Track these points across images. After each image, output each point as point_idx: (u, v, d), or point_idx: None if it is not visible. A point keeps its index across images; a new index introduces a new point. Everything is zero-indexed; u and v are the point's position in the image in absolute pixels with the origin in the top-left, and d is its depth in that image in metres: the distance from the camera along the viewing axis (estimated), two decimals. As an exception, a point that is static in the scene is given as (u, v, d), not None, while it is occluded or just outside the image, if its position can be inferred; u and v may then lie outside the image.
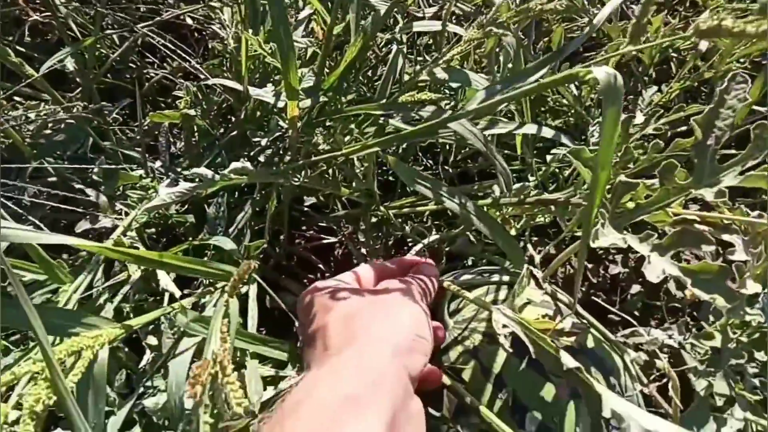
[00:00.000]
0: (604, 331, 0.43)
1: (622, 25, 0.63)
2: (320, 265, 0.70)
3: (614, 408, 0.29)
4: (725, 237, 0.35)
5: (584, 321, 0.42)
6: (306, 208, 0.67)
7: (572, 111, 0.71)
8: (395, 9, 0.51)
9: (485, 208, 0.43)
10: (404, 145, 0.67)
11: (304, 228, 0.72)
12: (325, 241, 0.69)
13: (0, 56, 0.49)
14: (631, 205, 0.36)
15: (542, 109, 0.73)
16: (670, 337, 0.51)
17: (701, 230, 0.31)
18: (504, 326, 0.32)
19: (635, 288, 0.66)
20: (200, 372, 0.23)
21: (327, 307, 0.34)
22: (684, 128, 0.63)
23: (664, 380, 0.42)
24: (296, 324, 0.38)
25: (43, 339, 0.21)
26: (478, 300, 0.36)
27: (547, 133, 0.42)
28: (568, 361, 0.31)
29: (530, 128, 0.42)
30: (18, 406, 0.22)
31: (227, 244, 0.46)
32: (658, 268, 0.29)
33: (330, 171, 0.52)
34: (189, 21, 0.78)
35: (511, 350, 0.31)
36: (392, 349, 0.30)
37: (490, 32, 0.36)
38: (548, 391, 0.36)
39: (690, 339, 0.46)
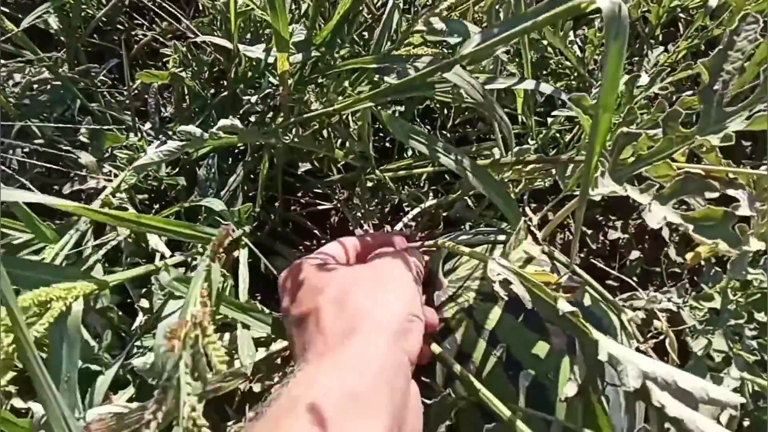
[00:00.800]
0: (601, 291, 0.42)
1: (628, -19, 0.61)
2: (316, 231, 0.69)
3: (611, 352, 0.29)
4: (730, 192, 0.34)
5: (581, 279, 0.41)
6: (301, 173, 0.65)
7: (575, 74, 0.69)
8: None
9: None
10: (401, 108, 0.66)
11: (299, 194, 0.71)
12: (320, 207, 0.68)
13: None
14: (632, 160, 0.35)
15: (544, 72, 0.71)
16: (669, 299, 0.50)
17: (705, 177, 0.29)
18: (499, 275, 0.31)
19: (634, 254, 0.65)
20: (177, 329, 0.22)
21: (316, 288, 0.32)
22: (691, 93, 0.61)
23: (661, 338, 0.42)
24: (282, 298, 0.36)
25: (5, 286, 0.20)
26: (474, 253, 0.35)
27: (546, 89, 0.40)
28: (565, 306, 0.30)
29: (529, 84, 0.40)
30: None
31: (217, 205, 0.45)
32: (658, 215, 0.28)
33: (323, 132, 0.50)
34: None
35: (506, 297, 0.30)
36: (392, 335, 0.28)
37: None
38: (542, 348, 0.35)
39: (689, 300, 0.45)
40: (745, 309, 0.44)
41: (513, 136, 0.39)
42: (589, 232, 0.67)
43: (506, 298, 0.30)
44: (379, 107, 0.40)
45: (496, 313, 0.37)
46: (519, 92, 0.48)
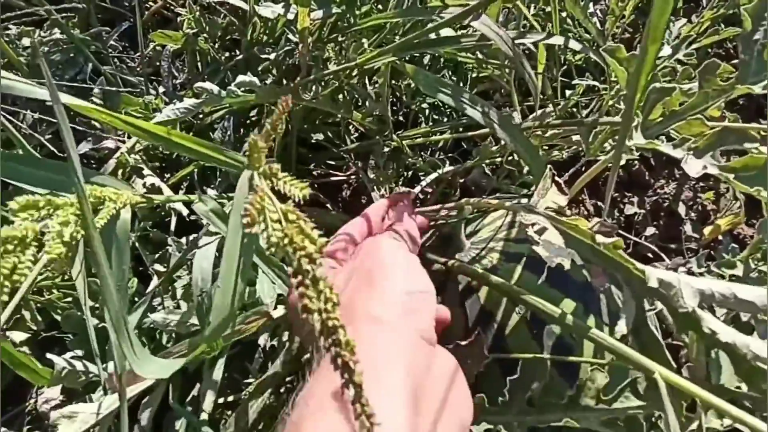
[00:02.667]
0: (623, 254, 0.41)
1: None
2: (328, 205, 0.69)
3: (661, 277, 0.28)
4: (763, 148, 0.33)
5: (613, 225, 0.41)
6: (313, 143, 0.64)
7: (595, 46, 0.67)
8: None
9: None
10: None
11: (312, 166, 0.70)
12: (333, 179, 0.67)
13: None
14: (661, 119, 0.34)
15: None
16: (689, 270, 0.50)
17: (743, 128, 0.29)
18: (534, 222, 0.30)
19: (650, 230, 0.64)
20: (254, 200, 0.20)
21: None
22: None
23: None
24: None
25: (79, 171, 0.19)
26: (502, 203, 0.35)
27: (575, 45, 0.39)
28: (605, 239, 0.29)
29: (558, 39, 0.39)
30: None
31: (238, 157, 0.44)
32: (697, 165, 0.27)
33: (341, 94, 0.49)
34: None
35: (540, 241, 0.29)
36: (395, 323, 0.26)
37: None
38: (567, 305, 0.35)
39: (712, 267, 0.45)
40: (769, 278, 0.43)
41: (539, 93, 0.38)
42: (605, 208, 0.66)
43: (540, 243, 0.29)
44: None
45: (519, 272, 0.37)
46: (541, 57, 0.47)
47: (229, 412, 0.37)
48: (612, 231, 0.29)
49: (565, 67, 0.68)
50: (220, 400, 0.37)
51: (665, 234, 0.64)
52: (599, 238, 0.27)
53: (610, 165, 0.73)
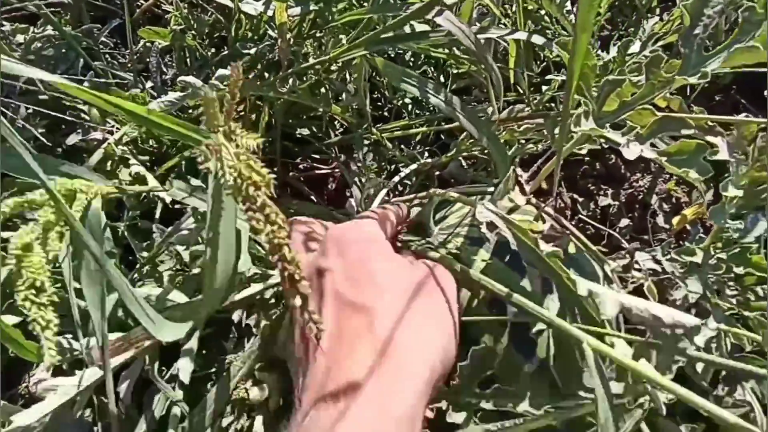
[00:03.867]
0: (586, 242, 0.43)
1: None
2: (312, 198, 0.71)
3: (589, 287, 0.30)
4: (709, 138, 0.35)
5: (563, 230, 0.43)
6: (298, 137, 0.67)
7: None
8: None
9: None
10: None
11: (298, 160, 0.72)
12: (318, 172, 0.69)
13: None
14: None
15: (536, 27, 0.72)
16: (653, 257, 0.52)
17: (682, 116, 0.31)
18: (486, 218, 0.32)
19: (624, 222, 0.66)
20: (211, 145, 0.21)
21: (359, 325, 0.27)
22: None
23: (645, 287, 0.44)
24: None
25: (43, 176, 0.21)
26: (462, 198, 0.37)
27: (537, 40, 0.41)
28: (546, 246, 0.31)
29: (521, 35, 0.41)
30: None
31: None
32: (635, 150, 0.30)
33: (321, 88, 0.51)
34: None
35: (493, 239, 0.31)
36: (422, 385, 0.25)
37: None
38: (525, 284, 0.37)
39: (671, 254, 0.47)
40: (726, 263, 0.45)
41: (502, 86, 0.40)
42: (581, 200, 0.68)
43: (493, 239, 0.31)
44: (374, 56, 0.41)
45: (482, 255, 0.39)
46: (512, 51, 0.49)
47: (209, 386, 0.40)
48: (561, 236, 0.31)
49: (544, 63, 0.70)
50: (199, 375, 0.39)
51: (639, 225, 0.66)
52: (542, 244, 0.30)
53: (582, 158, 0.74)
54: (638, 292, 0.45)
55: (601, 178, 0.72)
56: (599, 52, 0.48)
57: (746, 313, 0.46)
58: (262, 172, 0.21)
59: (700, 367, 0.33)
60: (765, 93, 0.70)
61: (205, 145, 0.20)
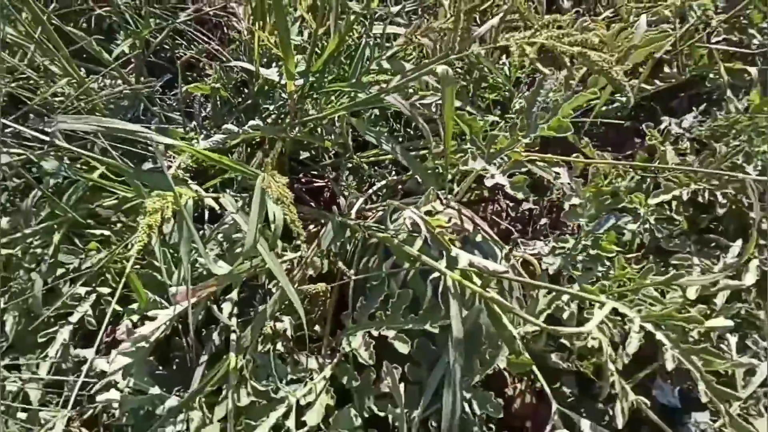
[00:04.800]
0: (489, 232, 0.66)
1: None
2: (311, 204, 0.94)
3: (470, 259, 0.53)
4: (555, 169, 0.58)
5: (477, 224, 0.66)
6: (301, 159, 0.90)
7: (505, 86, 0.93)
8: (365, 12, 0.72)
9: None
10: (376, 112, 0.90)
11: (300, 176, 0.96)
12: (315, 185, 0.93)
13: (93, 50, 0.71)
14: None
15: (484, 85, 0.95)
16: (546, 243, 0.75)
17: (532, 157, 0.54)
18: (410, 218, 0.55)
19: (543, 220, 0.89)
20: (267, 178, 0.46)
21: None
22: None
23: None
24: None
25: (173, 186, 0.45)
26: (400, 205, 0.60)
27: (460, 103, 0.64)
28: (455, 252, 0.54)
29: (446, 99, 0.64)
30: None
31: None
32: (494, 179, 0.53)
33: (318, 130, 0.75)
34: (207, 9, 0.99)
35: (409, 228, 0.54)
36: None
37: (410, 39, 0.59)
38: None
39: (551, 242, 0.70)
40: (587, 248, 0.69)
41: (430, 133, 0.63)
42: (512, 204, 0.91)
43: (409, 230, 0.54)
44: (354, 114, 0.64)
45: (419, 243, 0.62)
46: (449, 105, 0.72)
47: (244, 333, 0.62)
48: (470, 229, 0.54)
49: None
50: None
51: (552, 224, 0.89)
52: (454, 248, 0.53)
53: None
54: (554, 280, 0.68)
55: (531, 188, 0.96)
56: (485, 116, 0.71)
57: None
58: (288, 194, 0.44)
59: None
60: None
61: (263, 178, 0.43)
